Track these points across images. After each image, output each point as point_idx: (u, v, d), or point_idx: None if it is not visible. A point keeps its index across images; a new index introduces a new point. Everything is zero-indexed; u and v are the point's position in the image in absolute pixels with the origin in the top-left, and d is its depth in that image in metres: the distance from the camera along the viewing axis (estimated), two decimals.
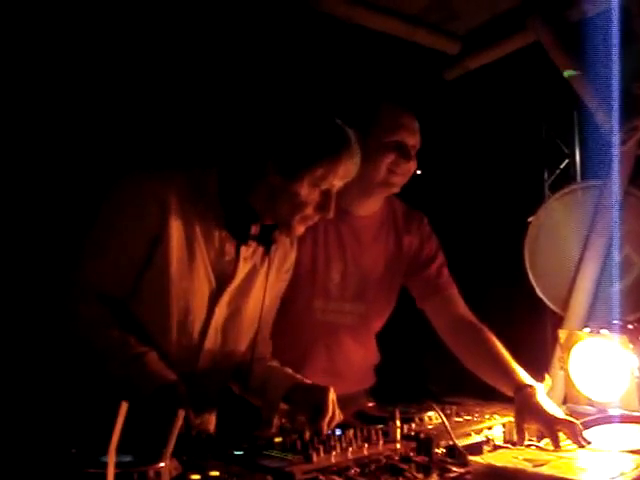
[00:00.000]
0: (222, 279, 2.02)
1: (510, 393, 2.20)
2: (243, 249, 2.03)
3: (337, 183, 1.94)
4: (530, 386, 2.16)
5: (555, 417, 2.00)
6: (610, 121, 3.18)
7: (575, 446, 1.92)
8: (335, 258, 2.48)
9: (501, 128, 4.79)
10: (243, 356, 2.15)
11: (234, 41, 3.61)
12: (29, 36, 3.15)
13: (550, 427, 1.97)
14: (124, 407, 1.14)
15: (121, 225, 1.91)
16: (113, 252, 1.91)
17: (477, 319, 2.50)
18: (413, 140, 2.40)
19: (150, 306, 1.95)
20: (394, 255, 2.58)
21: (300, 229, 2.00)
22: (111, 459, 1.15)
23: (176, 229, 1.92)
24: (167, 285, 1.93)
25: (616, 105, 3.10)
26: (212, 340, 2.05)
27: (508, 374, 2.25)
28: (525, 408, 2.07)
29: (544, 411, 2.03)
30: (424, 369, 5.24)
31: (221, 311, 2.04)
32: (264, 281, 2.09)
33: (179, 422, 1.26)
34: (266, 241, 2.04)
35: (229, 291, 2.04)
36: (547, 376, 2.27)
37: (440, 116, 4.20)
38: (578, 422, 1.98)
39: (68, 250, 1.99)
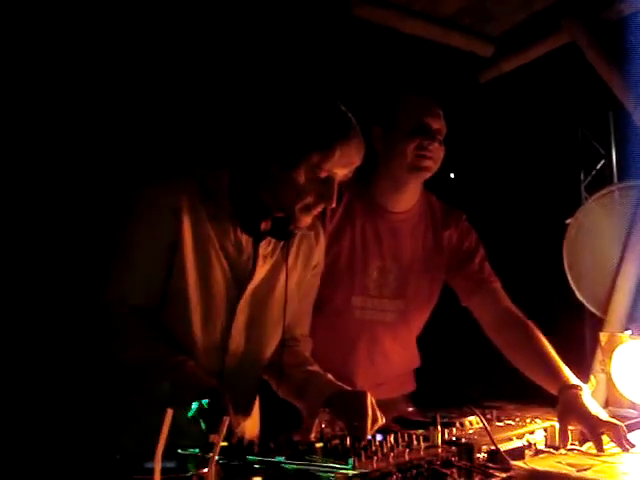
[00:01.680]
0: (242, 279, 2.01)
1: (554, 392, 2.17)
2: (262, 247, 2.02)
3: (339, 171, 1.90)
4: (576, 386, 2.13)
5: (599, 419, 1.98)
6: None
7: (618, 449, 1.90)
8: (373, 255, 2.48)
9: (536, 130, 4.76)
10: (273, 357, 2.15)
11: (251, 42, 3.62)
12: (35, 40, 3.19)
13: (593, 430, 1.95)
14: (169, 414, 1.15)
15: (140, 237, 1.93)
16: (138, 265, 1.93)
17: (523, 315, 2.46)
18: (436, 124, 2.40)
19: (173, 312, 1.96)
20: (433, 250, 2.57)
21: (305, 220, 1.96)
22: (157, 465, 1.16)
23: (189, 234, 1.93)
24: (186, 290, 1.94)
25: None
26: (236, 342, 2.04)
27: (554, 372, 2.23)
28: (569, 409, 2.05)
29: (588, 413, 2.01)
30: (462, 374, 5.21)
31: (243, 311, 2.03)
32: (286, 278, 2.06)
33: (224, 428, 1.26)
34: (281, 235, 2.01)
35: (249, 291, 2.03)
36: (592, 377, 2.25)
37: (475, 119, 4.19)
38: (623, 425, 1.96)
39: (97, 267, 2.01)
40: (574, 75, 4.01)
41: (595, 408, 2.05)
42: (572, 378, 2.19)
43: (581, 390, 2.12)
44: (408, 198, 2.52)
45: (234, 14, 3.46)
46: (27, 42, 3.15)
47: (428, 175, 2.45)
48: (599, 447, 1.90)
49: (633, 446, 1.90)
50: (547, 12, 3.38)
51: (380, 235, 2.49)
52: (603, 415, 2.02)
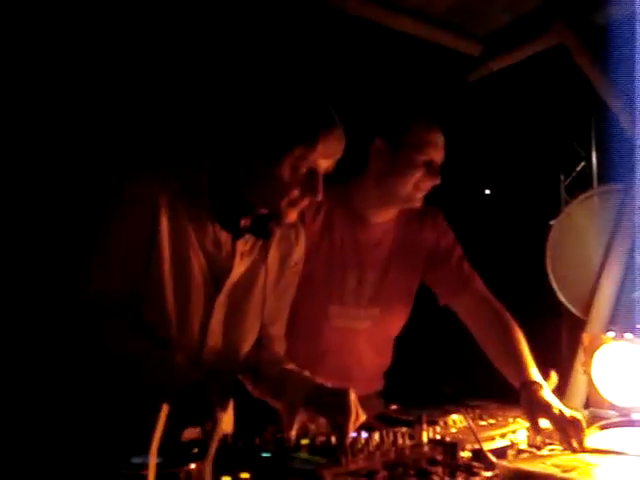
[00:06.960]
0: (220, 276, 1.99)
1: (516, 384, 2.21)
2: (240, 244, 2.00)
3: (323, 163, 1.89)
4: (536, 383, 2.16)
5: (563, 414, 2.01)
6: (634, 124, 3.16)
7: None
8: (351, 264, 2.46)
9: (519, 130, 4.79)
10: (250, 355, 2.13)
11: (239, 36, 3.60)
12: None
13: (560, 424, 1.99)
14: (165, 409, 1.14)
15: (120, 233, 1.91)
16: (117, 261, 1.91)
17: (502, 306, 2.48)
18: (440, 156, 2.39)
19: (151, 308, 1.94)
20: (411, 257, 2.56)
21: (291, 215, 1.94)
22: (152, 460, 1.14)
23: (166, 229, 1.91)
24: (162, 286, 1.92)
25: None
26: (214, 338, 2.02)
27: (519, 365, 2.25)
28: (533, 404, 2.08)
29: (552, 406, 2.05)
30: (436, 371, 5.24)
31: (221, 308, 2.01)
32: (265, 276, 2.04)
33: (219, 425, 1.25)
34: (261, 233, 1.99)
35: (227, 287, 2.01)
36: (553, 374, 2.27)
37: (461, 118, 4.20)
38: (583, 421, 1.99)
39: (76, 263, 1.99)
40: (557, 79, 4.03)
41: (556, 403, 2.08)
42: (535, 375, 2.21)
43: (541, 387, 2.15)
44: (391, 213, 2.52)
45: (223, 8, 3.44)
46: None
47: (417, 205, 2.44)
48: (580, 442, 1.94)
49: (585, 450, 1.92)
50: (536, 14, 3.39)
51: (359, 246, 2.48)
52: (565, 410, 2.04)
